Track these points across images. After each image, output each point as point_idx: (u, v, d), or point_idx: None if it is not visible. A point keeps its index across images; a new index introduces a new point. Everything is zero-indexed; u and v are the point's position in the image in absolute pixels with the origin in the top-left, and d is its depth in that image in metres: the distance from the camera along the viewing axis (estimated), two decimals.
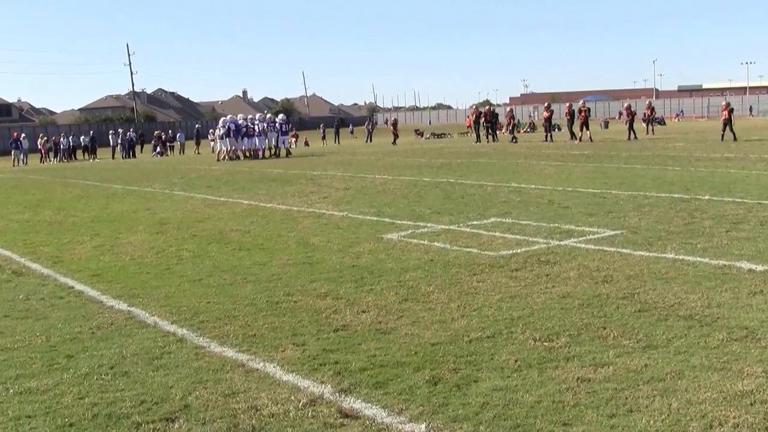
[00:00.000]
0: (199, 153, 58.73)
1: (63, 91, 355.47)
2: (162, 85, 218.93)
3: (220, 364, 6.36)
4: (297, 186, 22.37)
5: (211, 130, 42.55)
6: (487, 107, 52.14)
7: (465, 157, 32.61)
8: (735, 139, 35.67)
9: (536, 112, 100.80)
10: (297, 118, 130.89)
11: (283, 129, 41.80)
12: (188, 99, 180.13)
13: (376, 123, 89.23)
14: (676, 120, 79.90)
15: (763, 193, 15.63)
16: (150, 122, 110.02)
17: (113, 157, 59.48)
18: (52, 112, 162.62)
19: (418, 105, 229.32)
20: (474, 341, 6.64)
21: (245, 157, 40.61)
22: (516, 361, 6.04)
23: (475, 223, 13.26)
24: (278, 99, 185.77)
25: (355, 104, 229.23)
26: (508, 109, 55.26)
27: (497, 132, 49.80)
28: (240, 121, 41.51)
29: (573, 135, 42.68)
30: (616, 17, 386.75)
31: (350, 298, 8.39)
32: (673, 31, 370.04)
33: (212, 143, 44.69)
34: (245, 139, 40.79)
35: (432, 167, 27.46)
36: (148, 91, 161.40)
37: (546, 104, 48.67)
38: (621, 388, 5.35)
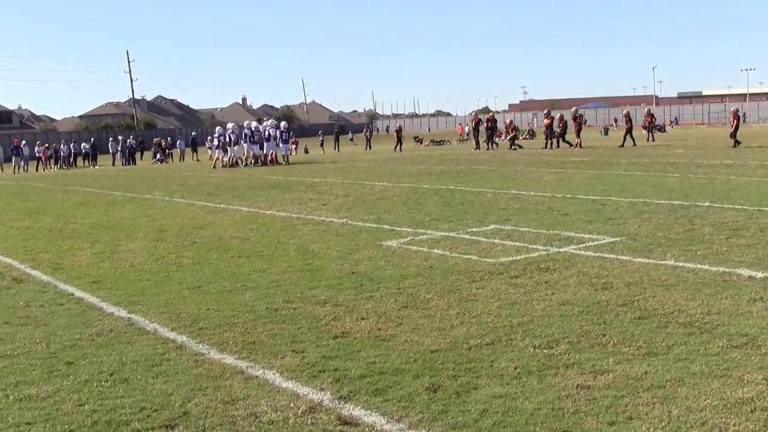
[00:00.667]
0: (198, 160, 58.73)
1: (63, 98, 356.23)
2: (162, 92, 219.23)
3: (219, 371, 6.35)
4: (297, 193, 22.38)
5: (209, 138, 42.36)
6: (490, 114, 52.11)
7: (464, 164, 32.63)
8: (735, 146, 35.68)
9: (535, 119, 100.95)
10: (297, 125, 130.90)
11: (284, 137, 41.90)
12: (188, 106, 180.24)
13: (375, 130, 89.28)
14: (671, 126, 79.88)
15: (763, 200, 15.64)
16: (150, 129, 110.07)
17: (113, 164, 59.47)
18: (52, 120, 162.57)
19: (417, 112, 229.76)
20: (473, 348, 6.64)
21: (258, 163, 40.62)
22: (515, 368, 6.03)
23: (474, 230, 13.26)
24: (278, 106, 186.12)
25: (355, 111, 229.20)
26: (508, 120, 55.21)
27: (496, 138, 49.80)
28: (253, 128, 41.71)
29: (568, 144, 42.68)
30: (616, 24, 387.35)
31: (350, 305, 8.39)
32: (672, 38, 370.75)
33: (209, 150, 44.63)
34: (258, 145, 41.00)
35: (431, 174, 27.47)
36: (148, 99, 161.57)
37: (546, 111, 48.70)
38: (621, 396, 5.35)
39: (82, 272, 11.16)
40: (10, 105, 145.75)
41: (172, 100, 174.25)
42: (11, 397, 5.95)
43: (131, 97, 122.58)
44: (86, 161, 62.56)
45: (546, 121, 46.10)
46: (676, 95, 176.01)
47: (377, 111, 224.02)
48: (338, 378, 6.03)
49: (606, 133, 68.27)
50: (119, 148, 61.92)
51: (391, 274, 9.87)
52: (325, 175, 29.42)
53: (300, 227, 14.81)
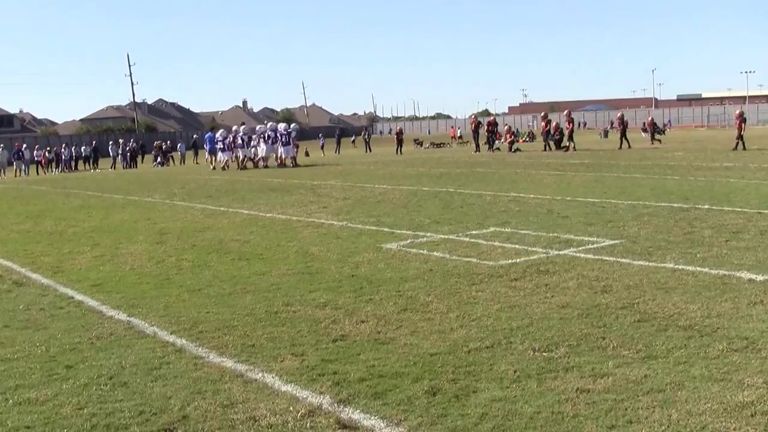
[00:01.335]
0: (198, 163, 58.70)
1: (64, 101, 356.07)
2: (162, 95, 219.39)
3: (218, 375, 6.35)
4: (297, 196, 22.37)
5: (219, 139, 42.35)
6: (492, 117, 52.15)
7: (464, 167, 32.62)
8: (735, 148, 35.70)
9: (535, 122, 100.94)
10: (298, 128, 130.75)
11: (284, 140, 41.99)
12: (189, 109, 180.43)
13: (373, 132, 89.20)
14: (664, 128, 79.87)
15: (762, 202, 15.64)
16: (151, 132, 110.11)
17: (114, 168, 59.48)
18: (53, 123, 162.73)
19: (417, 115, 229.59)
20: (473, 351, 6.63)
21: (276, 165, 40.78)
22: (515, 372, 6.03)
23: (474, 232, 13.26)
24: (278, 109, 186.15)
25: (355, 114, 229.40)
26: (506, 126, 55.24)
27: (496, 141, 49.87)
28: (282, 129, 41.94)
29: (564, 149, 42.79)
30: (616, 27, 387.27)
31: (349, 308, 8.39)
32: (672, 41, 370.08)
33: (213, 154, 44.71)
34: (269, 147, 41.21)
35: (431, 177, 27.47)
36: (149, 102, 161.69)
37: (543, 114, 48.77)
38: (620, 399, 5.34)
39: (82, 275, 11.16)
40: (12, 109, 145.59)
41: (172, 104, 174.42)
42: (11, 401, 5.95)
43: (132, 100, 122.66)
44: (87, 164, 62.59)
45: (543, 125, 46.23)
46: (675, 98, 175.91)
47: (377, 114, 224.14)
48: (337, 381, 6.03)
49: (605, 136, 68.23)
50: (120, 152, 61.92)
51: (391, 277, 9.87)
52: (325, 178, 29.42)
53: (300, 230, 14.81)
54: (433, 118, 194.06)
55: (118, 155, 61.91)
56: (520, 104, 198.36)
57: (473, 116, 55.39)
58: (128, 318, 8.44)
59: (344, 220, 15.96)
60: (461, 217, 15.41)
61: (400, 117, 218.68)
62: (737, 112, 39.87)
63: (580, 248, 11.23)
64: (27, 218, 20.28)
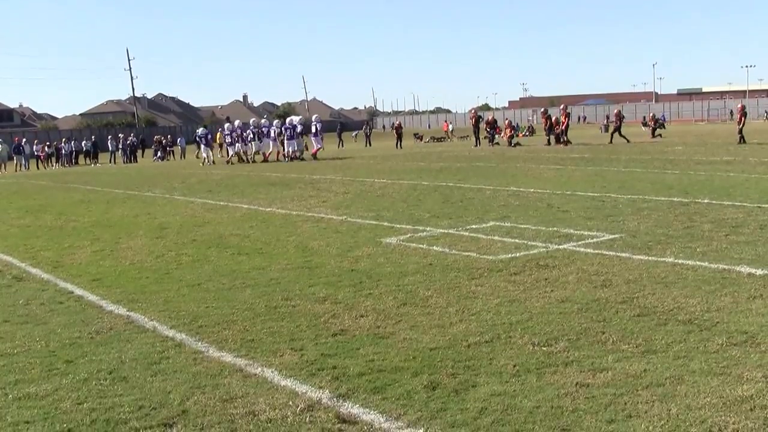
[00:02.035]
0: (198, 157, 58.61)
1: (64, 96, 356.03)
2: (162, 90, 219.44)
3: (218, 369, 6.35)
4: (296, 190, 22.37)
5: (226, 133, 42.54)
6: (491, 116, 52.17)
7: (464, 161, 32.60)
8: (739, 142, 35.69)
9: (535, 116, 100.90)
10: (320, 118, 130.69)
11: (289, 134, 42.15)
12: (188, 104, 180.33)
13: (374, 127, 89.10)
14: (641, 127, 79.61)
15: (762, 196, 15.62)
16: (151, 127, 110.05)
17: (114, 162, 59.44)
18: (53, 118, 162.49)
19: (417, 109, 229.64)
20: (472, 346, 6.63)
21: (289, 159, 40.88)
22: (514, 366, 6.03)
23: (473, 226, 13.25)
24: (279, 103, 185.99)
25: (356, 108, 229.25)
26: (507, 121, 55.21)
27: (496, 135, 49.91)
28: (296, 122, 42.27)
29: (555, 140, 42.88)
30: (616, 21, 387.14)
31: (349, 302, 8.39)
32: (673, 35, 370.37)
33: (223, 146, 44.80)
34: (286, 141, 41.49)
35: (431, 171, 27.46)
36: (149, 96, 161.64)
37: (543, 110, 48.78)
38: (620, 393, 5.34)
39: (82, 270, 11.16)
40: (11, 103, 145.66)
41: (172, 98, 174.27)
42: (10, 396, 5.95)
43: (132, 95, 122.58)
44: (87, 159, 62.57)
45: (544, 120, 46.31)
46: (676, 92, 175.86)
47: (377, 108, 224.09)
48: (337, 376, 6.03)
49: (606, 130, 68.12)
50: (120, 146, 61.93)
51: (391, 272, 9.87)
52: (325, 172, 29.40)
53: (299, 224, 14.80)
54: (432, 112, 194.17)
55: (118, 150, 61.92)
56: (521, 98, 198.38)
57: (473, 111, 55.35)
58: (128, 313, 8.44)
59: (344, 214, 15.95)
60: (461, 212, 15.40)
61: (400, 111, 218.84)
62: (739, 106, 39.87)
63: (580, 242, 11.22)
64: (27, 213, 20.28)
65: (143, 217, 17.55)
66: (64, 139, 65.86)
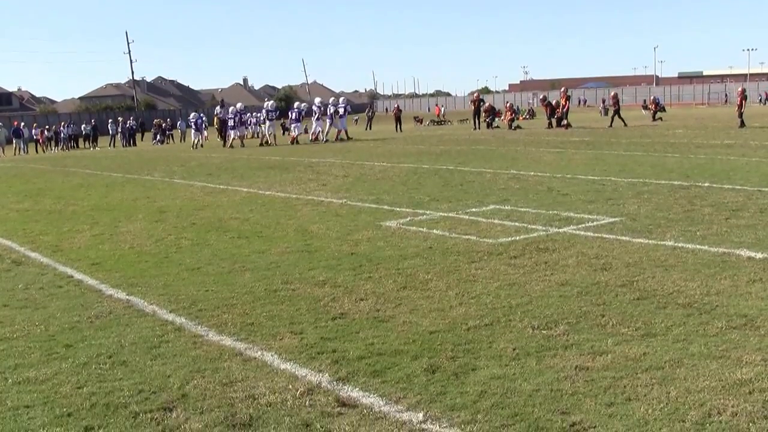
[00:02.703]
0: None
1: (63, 80, 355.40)
2: (162, 73, 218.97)
3: (218, 353, 6.36)
4: (296, 173, 22.34)
5: (229, 116, 42.62)
6: (487, 104, 52.08)
7: (464, 144, 32.56)
8: (740, 126, 35.63)
9: (535, 99, 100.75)
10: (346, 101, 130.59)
11: (294, 116, 42.37)
12: (188, 87, 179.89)
13: (376, 110, 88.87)
14: (652, 107, 79.33)
15: (762, 180, 15.61)
16: (150, 110, 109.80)
17: (113, 146, 59.36)
18: (52, 101, 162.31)
19: (417, 92, 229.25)
20: (472, 329, 6.64)
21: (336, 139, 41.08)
22: (514, 350, 6.03)
23: (473, 210, 13.24)
24: (279, 86, 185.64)
25: (356, 91, 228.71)
26: (508, 103, 55.16)
27: (496, 119, 49.94)
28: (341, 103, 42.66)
29: (556, 123, 42.85)
30: (617, 3, 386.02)
31: (348, 286, 8.39)
32: (674, 18, 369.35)
33: (228, 131, 44.81)
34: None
35: (431, 154, 27.42)
36: (148, 80, 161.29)
37: (542, 97, 48.74)
38: (619, 377, 5.35)
39: (82, 254, 11.16)
40: (10, 87, 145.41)
41: (172, 81, 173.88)
42: (10, 380, 5.95)
43: (131, 78, 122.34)
44: (86, 143, 62.50)
45: (544, 107, 46.33)
46: (676, 75, 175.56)
47: (378, 91, 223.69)
48: (336, 359, 6.03)
49: (606, 113, 68.07)
50: (119, 130, 61.85)
51: (390, 255, 9.86)
52: (325, 156, 29.36)
53: (299, 208, 14.79)
54: (432, 95, 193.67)
55: (117, 133, 61.83)
56: (521, 81, 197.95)
57: (476, 94, 55.25)
58: (127, 297, 8.44)
59: (344, 197, 15.94)
60: (461, 195, 15.39)
61: (401, 94, 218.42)
62: (739, 89, 39.83)
63: (580, 226, 11.22)
64: (26, 197, 20.26)
65: (142, 201, 17.54)
66: (63, 123, 65.74)
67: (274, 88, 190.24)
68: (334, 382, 5.55)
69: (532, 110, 72.68)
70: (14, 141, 57.10)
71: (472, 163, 22.93)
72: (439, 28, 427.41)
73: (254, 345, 6.53)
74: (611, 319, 6.71)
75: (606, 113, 67.16)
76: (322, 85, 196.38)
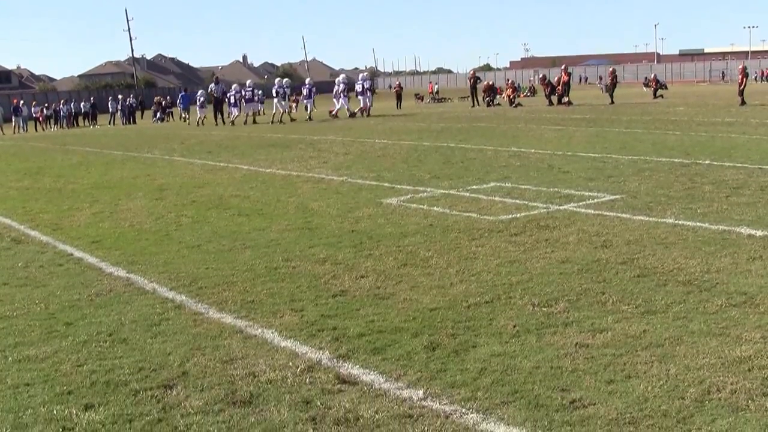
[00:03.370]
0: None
1: (62, 57, 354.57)
2: (161, 50, 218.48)
3: (218, 331, 6.36)
4: (296, 151, 22.31)
5: (231, 94, 42.75)
6: (486, 82, 51.97)
7: (465, 122, 32.48)
8: (741, 103, 35.53)
9: (536, 76, 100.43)
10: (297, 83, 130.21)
11: (306, 93, 42.44)
12: (188, 64, 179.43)
13: (377, 87, 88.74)
14: (652, 86, 78.96)
15: (763, 158, 15.59)
16: (150, 88, 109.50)
17: (113, 124, 59.24)
18: (51, 79, 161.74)
19: (418, 69, 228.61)
20: (472, 306, 6.64)
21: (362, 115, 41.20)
22: (514, 327, 6.03)
23: (474, 187, 13.23)
24: (278, 64, 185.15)
25: (356, 69, 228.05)
26: (509, 81, 55.07)
27: (497, 96, 49.87)
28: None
29: (554, 101, 42.81)
30: None
31: (349, 263, 8.39)
32: None
33: (231, 108, 44.65)
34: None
35: (432, 132, 27.36)
36: (148, 57, 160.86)
37: (542, 76, 48.60)
38: (619, 354, 5.35)
39: (82, 232, 11.15)
40: (9, 65, 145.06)
41: (171, 59, 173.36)
42: (10, 359, 5.96)
43: (131, 55, 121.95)
44: (86, 121, 62.36)
45: (543, 85, 46.22)
46: (677, 53, 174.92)
47: (378, 68, 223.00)
48: (337, 337, 6.04)
49: (606, 91, 67.99)
50: (119, 107, 61.71)
51: (391, 232, 9.86)
52: (325, 133, 29.30)
53: (300, 185, 14.78)
54: (434, 72, 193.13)
55: (117, 111, 61.69)
56: (522, 59, 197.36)
57: (472, 71, 55.16)
58: (127, 274, 8.43)
59: (344, 175, 15.92)
60: (462, 172, 15.37)
61: (401, 72, 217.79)
62: (740, 67, 39.75)
63: (581, 203, 11.21)
64: (25, 175, 20.24)
65: (142, 179, 17.52)
66: (62, 101, 65.49)
67: (273, 65, 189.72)
68: (335, 360, 5.56)
69: (533, 87, 72.47)
70: (13, 119, 56.95)
71: (473, 140, 22.89)
72: (440, 4, 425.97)
73: (254, 322, 6.53)
74: (611, 296, 6.71)
75: (606, 90, 67.15)
76: (321, 63, 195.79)
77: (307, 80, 44.43)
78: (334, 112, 41.70)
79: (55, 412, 4.90)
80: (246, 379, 5.27)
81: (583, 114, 33.95)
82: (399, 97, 58.01)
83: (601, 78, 68.70)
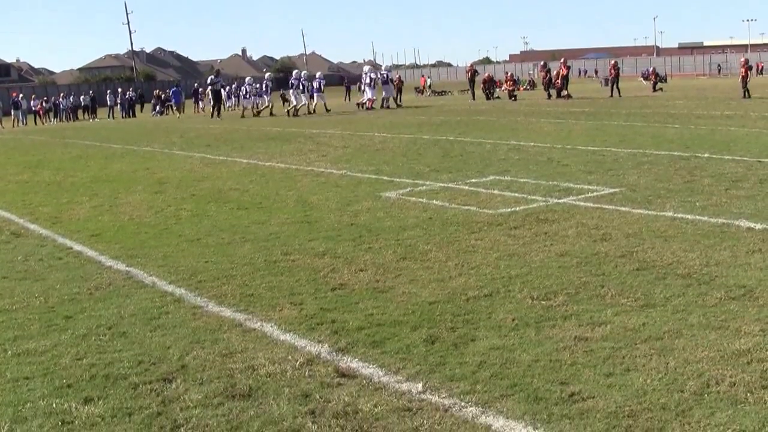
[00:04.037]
0: (196, 112, 58.33)
1: (62, 51, 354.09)
2: (161, 44, 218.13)
3: (217, 324, 6.36)
4: (296, 144, 22.30)
5: (245, 87, 43.31)
6: (486, 74, 51.95)
7: (464, 115, 32.48)
8: (749, 96, 35.45)
9: (536, 70, 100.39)
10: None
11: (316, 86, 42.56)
12: (187, 58, 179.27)
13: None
14: (641, 80, 78.75)
15: (762, 151, 15.58)
16: (149, 81, 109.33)
17: (112, 117, 59.15)
18: (51, 72, 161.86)
19: (418, 62, 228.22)
20: (471, 300, 6.64)
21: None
22: (513, 320, 6.04)
23: (473, 180, 13.23)
24: (277, 57, 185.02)
25: (354, 62, 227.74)
26: (509, 73, 55.05)
27: (496, 89, 49.86)
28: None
29: (556, 94, 42.75)
30: None
31: (348, 256, 8.39)
32: None
33: (241, 100, 44.76)
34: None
35: (431, 125, 27.36)
36: (147, 50, 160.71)
37: (542, 63, 48.51)
38: (618, 347, 5.35)
39: (81, 226, 11.15)
40: (9, 58, 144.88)
41: (171, 52, 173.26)
42: (9, 352, 5.96)
43: (130, 49, 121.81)
44: (86, 114, 62.29)
45: (543, 74, 46.05)
46: (677, 46, 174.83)
47: (377, 62, 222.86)
48: (336, 330, 6.04)
49: (606, 84, 67.92)
50: (118, 101, 61.62)
51: (390, 226, 9.86)
52: (325, 127, 29.29)
53: (299, 179, 14.78)
54: (434, 65, 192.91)
55: (116, 105, 61.61)
56: (521, 52, 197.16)
57: (471, 64, 55.17)
58: (127, 268, 8.43)
59: (343, 168, 15.92)
60: (461, 166, 15.36)
61: (401, 65, 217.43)
62: (742, 60, 39.73)
63: (580, 196, 11.21)
64: (25, 168, 20.24)
65: (142, 172, 17.52)
66: (62, 94, 65.42)
67: (272, 58, 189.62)
68: (334, 353, 5.56)
69: (533, 81, 72.41)
70: (12, 113, 56.87)
71: (472, 133, 22.88)
72: None
73: (254, 316, 6.53)
74: (610, 289, 6.71)
75: (606, 83, 67.08)
76: (320, 56, 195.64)
77: (318, 73, 44.40)
78: (368, 104, 41.45)
79: (54, 405, 4.90)
80: (245, 373, 5.27)
81: (583, 107, 33.94)
82: (399, 91, 57.96)
83: (596, 72, 68.67)
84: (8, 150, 28.38)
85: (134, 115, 60.11)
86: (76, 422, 4.68)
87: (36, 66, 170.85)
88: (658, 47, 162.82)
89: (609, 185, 12.01)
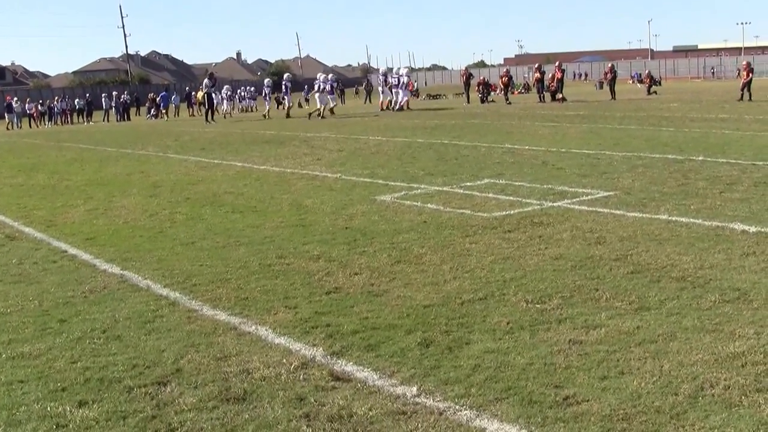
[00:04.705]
0: (192, 116, 58.34)
1: (57, 54, 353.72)
2: (156, 47, 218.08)
3: (212, 328, 6.35)
4: (290, 148, 22.30)
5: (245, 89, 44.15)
6: (481, 77, 52.09)
7: (459, 118, 32.49)
8: (750, 99, 35.45)
9: (530, 73, 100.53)
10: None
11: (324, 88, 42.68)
12: (182, 61, 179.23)
13: (373, 84, 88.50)
14: (631, 82, 78.82)
15: (757, 154, 15.61)
16: (144, 85, 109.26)
17: (107, 120, 59.11)
18: (46, 76, 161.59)
19: (413, 66, 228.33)
20: (466, 303, 6.64)
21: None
22: (508, 323, 6.04)
23: (468, 184, 13.23)
24: (272, 60, 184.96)
25: (349, 65, 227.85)
26: (505, 69, 55.18)
27: (491, 92, 49.93)
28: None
29: (559, 101, 42.77)
30: None
31: (343, 260, 8.39)
32: None
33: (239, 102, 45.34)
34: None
35: (426, 128, 27.35)
36: (142, 54, 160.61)
37: (537, 66, 48.57)
38: (613, 350, 5.35)
39: (76, 229, 11.14)
40: (4, 61, 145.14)
41: (166, 56, 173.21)
42: (4, 356, 5.95)
43: (125, 52, 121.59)
44: (81, 117, 62.24)
45: (537, 75, 46.04)
46: (671, 49, 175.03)
47: (372, 65, 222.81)
48: (331, 333, 6.04)
49: (601, 87, 68.02)
50: (113, 104, 61.56)
51: (385, 229, 9.86)
52: (319, 130, 29.28)
53: (294, 182, 14.77)
54: (429, 69, 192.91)
55: (111, 108, 61.55)
56: (516, 56, 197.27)
57: (465, 68, 55.30)
58: (122, 271, 8.42)
59: (338, 172, 15.91)
60: (455, 169, 15.37)
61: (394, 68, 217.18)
62: (744, 63, 39.86)
63: (575, 200, 11.22)
64: (20, 172, 20.22)
65: (137, 176, 17.50)
66: (56, 98, 65.45)
67: (267, 62, 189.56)
68: (328, 357, 5.56)
69: (528, 84, 72.50)
70: (6, 116, 56.78)
71: (466, 137, 22.89)
72: (435, 1, 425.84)
73: (248, 319, 6.53)
74: (605, 293, 6.72)
75: (601, 87, 67.19)
76: (315, 59, 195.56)
77: (330, 76, 44.45)
78: (396, 106, 41.33)
79: (48, 408, 4.90)
80: (240, 376, 5.27)
81: (577, 110, 33.96)
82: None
83: (586, 75, 68.71)
84: (3, 153, 28.35)
85: (129, 119, 60.06)
86: (71, 425, 4.68)
87: (31, 69, 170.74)
88: (652, 50, 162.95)
89: (603, 188, 12.02)
